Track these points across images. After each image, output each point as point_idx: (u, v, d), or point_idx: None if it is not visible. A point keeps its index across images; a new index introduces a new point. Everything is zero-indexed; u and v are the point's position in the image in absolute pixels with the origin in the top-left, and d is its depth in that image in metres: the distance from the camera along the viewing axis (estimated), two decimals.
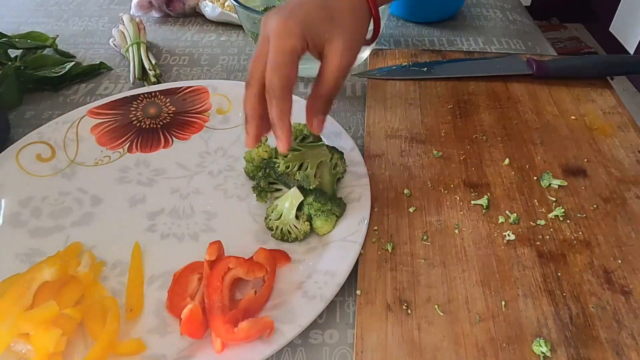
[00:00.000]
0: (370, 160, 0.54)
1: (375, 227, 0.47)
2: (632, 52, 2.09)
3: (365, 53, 0.69)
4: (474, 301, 0.41)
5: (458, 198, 0.50)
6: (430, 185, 0.51)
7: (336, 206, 0.47)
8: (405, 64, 0.65)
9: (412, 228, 0.47)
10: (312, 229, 0.47)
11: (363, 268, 0.44)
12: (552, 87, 0.64)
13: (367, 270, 0.43)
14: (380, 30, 0.50)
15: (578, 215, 0.48)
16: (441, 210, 0.48)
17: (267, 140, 0.51)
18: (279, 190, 0.50)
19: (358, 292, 0.42)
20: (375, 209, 0.49)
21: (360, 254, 0.45)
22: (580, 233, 0.46)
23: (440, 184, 0.51)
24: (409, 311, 0.40)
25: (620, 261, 0.44)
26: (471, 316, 0.40)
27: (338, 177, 0.51)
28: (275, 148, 0.47)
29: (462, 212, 0.48)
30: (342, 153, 0.51)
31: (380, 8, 0.47)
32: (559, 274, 0.43)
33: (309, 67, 0.68)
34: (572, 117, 0.59)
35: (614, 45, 2.18)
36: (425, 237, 0.46)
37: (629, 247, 0.45)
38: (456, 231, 0.47)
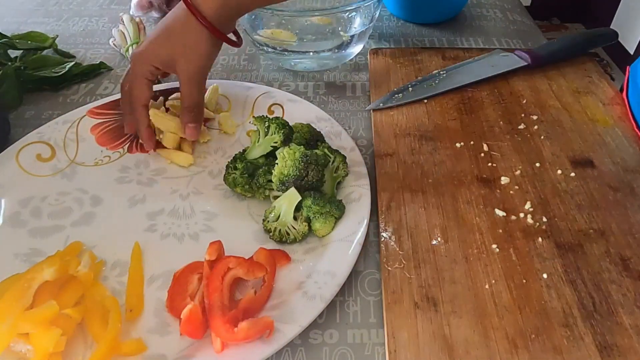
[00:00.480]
0: (382, 160, 0.54)
1: (395, 226, 0.47)
2: (632, 52, 2.09)
3: (357, 48, 0.69)
4: (499, 294, 0.41)
5: (472, 193, 0.50)
6: (444, 182, 0.52)
7: (335, 208, 0.47)
8: (404, 85, 0.64)
9: (430, 225, 0.47)
10: (310, 230, 0.47)
11: (386, 268, 0.44)
12: (551, 80, 0.66)
13: (391, 270, 0.44)
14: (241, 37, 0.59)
15: (590, 205, 0.49)
16: (457, 206, 0.49)
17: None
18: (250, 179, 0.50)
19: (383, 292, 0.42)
20: (392, 208, 0.49)
21: (382, 253, 0.45)
22: (594, 223, 0.47)
23: (453, 180, 0.52)
24: (437, 308, 0.41)
25: (635, 248, 0.45)
26: (498, 309, 0.40)
27: (338, 181, 0.51)
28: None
29: (478, 207, 0.49)
30: (344, 157, 0.51)
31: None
32: (578, 263, 0.44)
33: (305, 61, 0.69)
34: (574, 110, 0.61)
35: (614, 45, 2.18)
36: (444, 234, 0.47)
37: None
38: (474, 226, 0.47)
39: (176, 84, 0.64)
